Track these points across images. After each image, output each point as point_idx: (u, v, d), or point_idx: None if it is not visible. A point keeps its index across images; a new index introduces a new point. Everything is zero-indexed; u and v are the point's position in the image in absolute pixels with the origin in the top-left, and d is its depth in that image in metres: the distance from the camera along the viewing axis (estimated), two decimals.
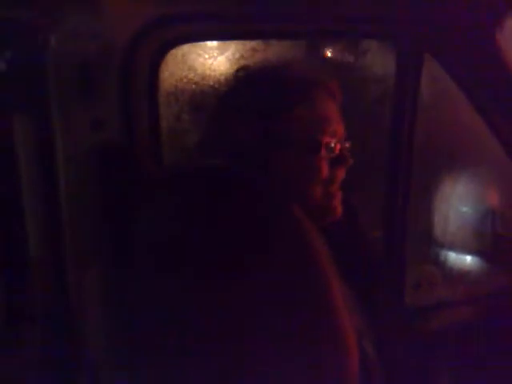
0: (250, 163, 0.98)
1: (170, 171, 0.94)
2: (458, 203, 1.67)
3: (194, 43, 1.22)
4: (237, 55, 1.28)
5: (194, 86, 1.26)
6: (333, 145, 1.00)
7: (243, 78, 1.10)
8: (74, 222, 1.04)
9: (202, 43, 1.26)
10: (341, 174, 1.03)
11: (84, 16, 1.00)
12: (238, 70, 1.10)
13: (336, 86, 1.05)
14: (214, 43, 1.26)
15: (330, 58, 1.46)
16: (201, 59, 1.25)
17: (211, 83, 1.26)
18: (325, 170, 0.99)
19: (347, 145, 1.04)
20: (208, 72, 1.26)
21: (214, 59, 1.26)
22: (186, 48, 1.21)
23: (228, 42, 1.28)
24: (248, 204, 0.68)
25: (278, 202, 0.71)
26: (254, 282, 0.64)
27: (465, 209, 1.68)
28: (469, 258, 1.70)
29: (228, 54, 1.26)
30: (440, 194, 1.67)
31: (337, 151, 1.00)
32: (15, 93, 1.01)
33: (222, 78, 1.27)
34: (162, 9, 1.06)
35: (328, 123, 1.00)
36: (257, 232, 0.67)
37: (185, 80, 1.25)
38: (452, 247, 1.69)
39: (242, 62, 1.28)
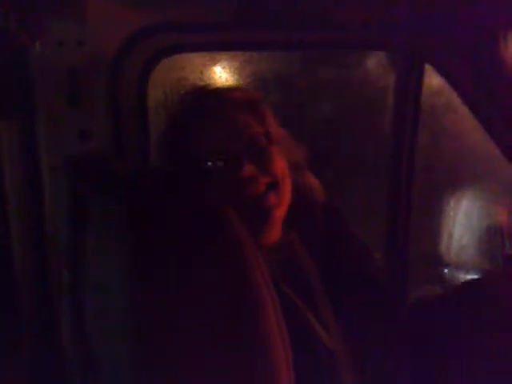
0: None
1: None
2: (464, 222, 1.62)
3: (185, 53, 1.20)
4: (229, 66, 1.26)
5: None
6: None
7: None
8: (57, 234, 1.01)
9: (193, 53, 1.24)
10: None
11: (71, 23, 0.98)
12: None
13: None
14: (205, 54, 1.24)
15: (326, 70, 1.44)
16: (192, 70, 1.23)
17: None
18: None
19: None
20: (199, 83, 1.24)
21: (204, 70, 1.24)
22: (176, 58, 1.19)
23: (220, 53, 1.26)
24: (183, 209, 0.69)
25: (214, 213, 0.71)
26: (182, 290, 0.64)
27: (472, 228, 1.62)
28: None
29: (220, 65, 1.25)
30: (445, 212, 1.62)
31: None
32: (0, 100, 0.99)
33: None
34: (152, 17, 1.04)
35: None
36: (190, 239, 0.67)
37: (175, 91, 1.23)
38: (458, 267, 1.63)
39: (235, 74, 1.26)
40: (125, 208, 0.77)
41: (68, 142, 1.01)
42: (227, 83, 1.28)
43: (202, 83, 1.25)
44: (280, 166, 1.03)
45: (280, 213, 1.02)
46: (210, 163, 0.99)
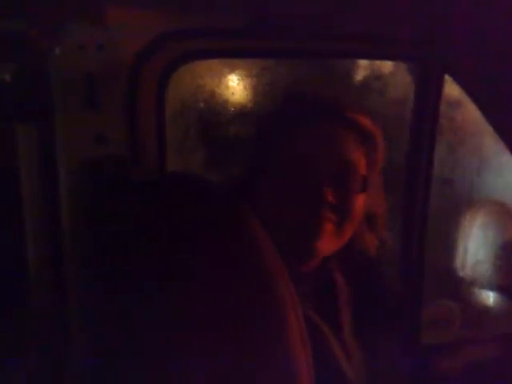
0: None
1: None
2: (480, 237, 1.60)
3: (203, 60, 1.19)
4: (247, 74, 1.25)
5: (202, 104, 1.23)
6: None
7: None
8: (75, 237, 1.01)
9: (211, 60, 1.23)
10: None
11: (91, 27, 0.98)
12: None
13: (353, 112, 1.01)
14: (224, 61, 1.23)
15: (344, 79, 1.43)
16: (210, 77, 1.23)
17: (220, 102, 1.24)
18: None
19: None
20: (217, 90, 1.24)
21: (223, 77, 1.24)
22: (195, 65, 1.18)
23: (238, 60, 1.26)
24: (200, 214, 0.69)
25: (232, 216, 0.70)
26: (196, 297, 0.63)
27: (487, 243, 1.60)
28: (490, 295, 1.61)
29: (238, 72, 1.24)
30: (461, 226, 1.60)
31: None
32: (19, 103, 0.99)
33: (232, 96, 1.25)
34: (171, 24, 1.04)
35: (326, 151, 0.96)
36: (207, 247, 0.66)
37: (193, 98, 1.22)
38: (472, 283, 1.61)
39: (252, 81, 1.26)
40: (139, 213, 0.77)
41: (85, 147, 1.01)
42: (246, 91, 1.28)
43: (220, 91, 1.24)
44: (358, 215, 1.00)
45: (333, 245, 0.98)
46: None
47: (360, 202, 0.99)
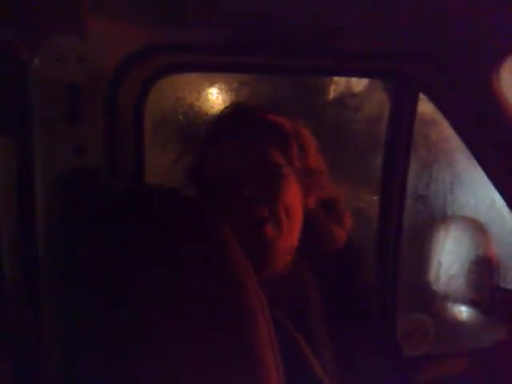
0: None
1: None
2: (453, 252, 1.62)
3: (183, 73, 1.21)
4: (226, 88, 1.27)
5: (181, 116, 1.24)
6: None
7: None
8: (50, 250, 1.00)
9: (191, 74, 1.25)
10: None
11: (71, 39, 0.99)
12: None
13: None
14: (203, 75, 1.25)
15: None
16: (189, 90, 1.24)
17: (199, 115, 1.25)
18: None
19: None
20: (196, 103, 1.25)
21: (202, 91, 1.25)
22: (175, 78, 1.20)
23: (217, 74, 1.27)
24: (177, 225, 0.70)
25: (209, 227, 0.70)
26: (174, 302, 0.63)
27: (461, 258, 1.63)
28: (463, 309, 1.64)
29: (217, 86, 1.26)
30: (434, 241, 1.62)
31: None
32: None
33: (211, 110, 1.26)
34: (152, 37, 1.05)
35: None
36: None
37: (173, 110, 1.23)
38: (446, 297, 1.63)
39: (232, 95, 1.27)
40: (110, 225, 0.77)
41: (63, 158, 1.01)
42: (225, 105, 1.29)
43: (199, 104, 1.26)
44: (288, 198, 1.00)
45: (281, 246, 1.00)
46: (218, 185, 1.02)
47: (287, 188, 1.02)
